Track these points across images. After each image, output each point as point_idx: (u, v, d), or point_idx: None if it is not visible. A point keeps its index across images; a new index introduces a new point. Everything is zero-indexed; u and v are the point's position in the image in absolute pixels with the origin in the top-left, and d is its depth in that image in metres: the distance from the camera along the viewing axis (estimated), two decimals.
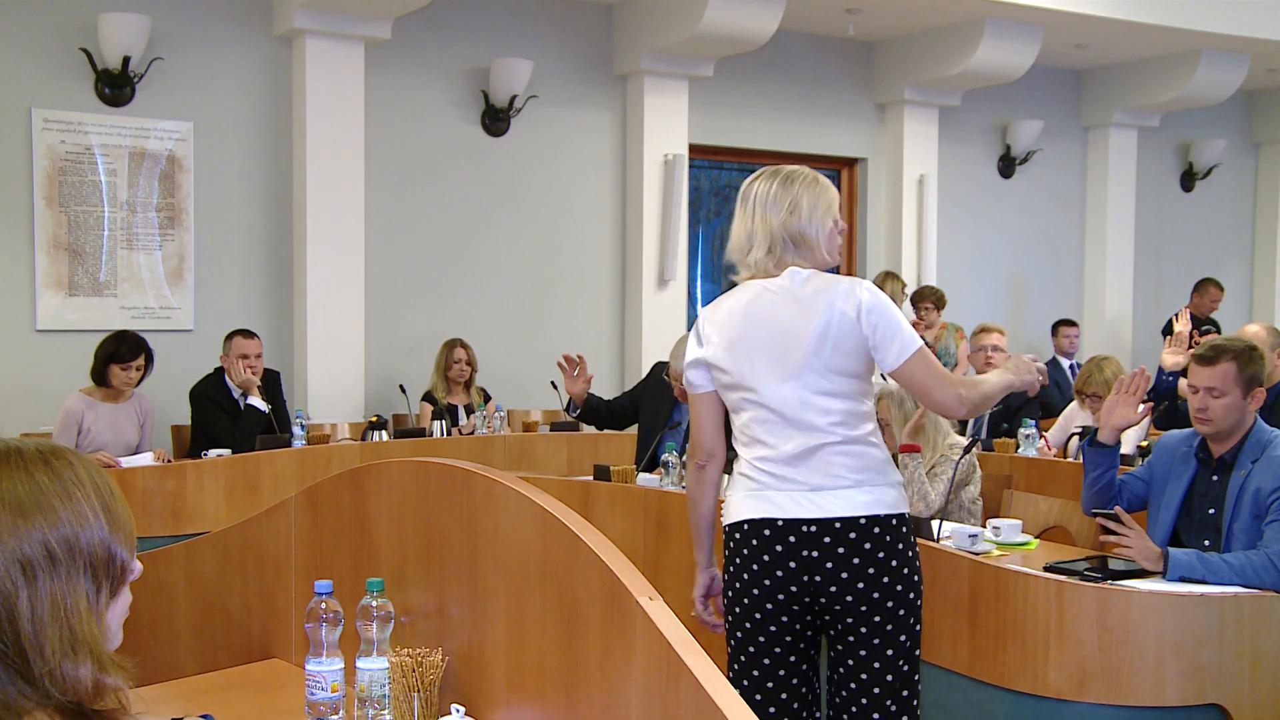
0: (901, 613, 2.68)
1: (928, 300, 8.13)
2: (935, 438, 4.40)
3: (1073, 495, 4.62)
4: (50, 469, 1.32)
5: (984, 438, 5.94)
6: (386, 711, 2.21)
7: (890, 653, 2.68)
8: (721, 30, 7.34)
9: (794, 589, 2.67)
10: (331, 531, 2.67)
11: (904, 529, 2.71)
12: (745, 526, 2.72)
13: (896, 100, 8.84)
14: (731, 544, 2.76)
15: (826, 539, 2.64)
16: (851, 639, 2.68)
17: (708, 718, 1.62)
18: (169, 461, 5.50)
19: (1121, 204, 9.89)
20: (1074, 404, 5.79)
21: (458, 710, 2.18)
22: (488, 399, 6.89)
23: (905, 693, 2.71)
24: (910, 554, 2.71)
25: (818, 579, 2.65)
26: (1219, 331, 8.39)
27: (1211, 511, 3.49)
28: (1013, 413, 6.12)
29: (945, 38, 8.39)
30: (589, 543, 1.96)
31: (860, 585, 2.64)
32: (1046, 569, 3.31)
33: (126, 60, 6.43)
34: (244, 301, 6.91)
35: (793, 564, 2.66)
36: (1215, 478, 3.51)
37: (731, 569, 2.76)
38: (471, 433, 6.36)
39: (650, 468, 4.86)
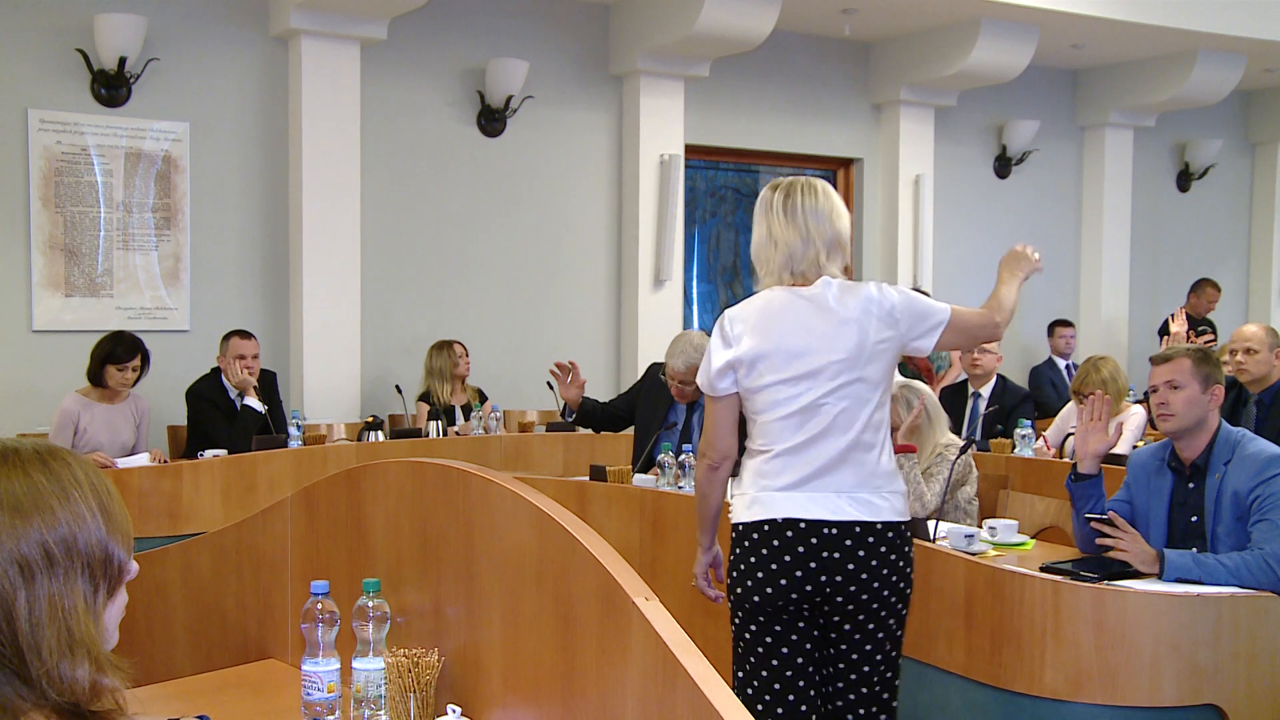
0: (902, 610, 2.84)
1: None
2: (931, 438, 4.40)
3: (1068, 495, 4.62)
4: (48, 469, 1.32)
5: (979, 438, 5.95)
6: (383, 712, 2.21)
7: (889, 649, 2.83)
8: (717, 30, 7.34)
9: (809, 588, 2.74)
10: (328, 532, 2.67)
11: (909, 534, 2.85)
12: (766, 527, 2.76)
13: (892, 100, 8.84)
14: (748, 542, 2.78)
15: (847, 542, 2.73)
16: (858, 636, 2.78)
17: (704, 718, 1.62)
18: (165, 462, 5.49)
19: (1117, 204, 9.90)
20: (1071, 404, 5.80)
21: (454, 711, 2.17)
22: (484, 399, 6.89)
23: (892, 688, 2.87)
24: (910, 560, 2.84)
25: (837, 579, 2.73)
26: (1214, 332, 8.40)
27: (1194, 519, 3.50)
28: (1008, 413, 6.12)
29: (941, 38, 8.39)
30: (585, 543, 1.96)
31: (875, 586, 2.74)
32: (1043, 569, 3.31)
33: (123, 61, 6.42)
34: (240, 302, 6.90)
35: (813, 564, 2.73)
36: (1191, 485, 3.53)
37: (744, 567, 2.78)
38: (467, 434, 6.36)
39: (646, 468, 4.86)
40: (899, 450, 4.32)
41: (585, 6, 7.85)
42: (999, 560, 3.60)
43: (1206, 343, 5.59)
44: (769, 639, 2.79)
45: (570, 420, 5.35)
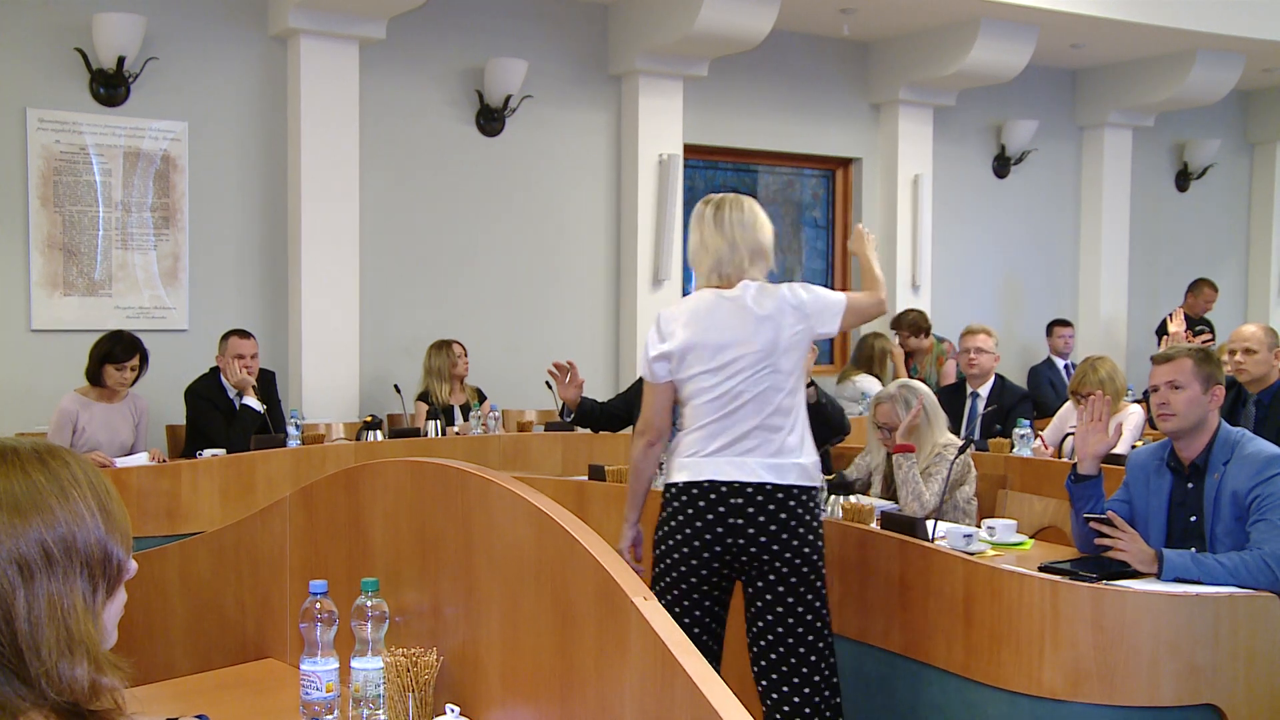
0: (820, 568, 3.20)
1: (905, 330, 7.99)
2: (929, 438, 4.40)
3: (1068, 495, 4.62)
4: (47, 468, 1.32)
5: (978, 438, 5.95)
6: (381, 711, 2.21)
7: (813, 612, 3.19)
8: (716, 30, 7.34)
9: (729, 541, 3.16)
10: (326, 531, 2.67)
11: (816, 502, 3.24)
12: (695, 489, 3.19)
13: (891, 100, 8.84)
14: (677, 503, 3.22)
15: (759, 498, 3.15)
16: (781, 589, 3.16)
17: (703, 717, 1.62)
18: (164, 461, 5.49)
19: (1116, 204, 9.90)
20: (1069, 404, 5.80)
21: (453, 710, 2.18)
22: (483, 399, 6.89)
23: (830, 664, 3.23)
24: (818, 523, 3.23)
25: (750, 532, 3.15)
26: (1212, 332, 8.40)
27: (1193, 519, 3.50)
28: (1007, 413, 6.12)
29: (940, 37, 8.39)
30: (584, 543, 1.96)
31: (785, 538, 3.15)
32: (1041, 569, 3.31)
33: (121, 60, 6.42)
34: (239, 301, 6.90)
35: (732, 521, 3.15)
36: (1190, 485, 3.53)
37: (673, 524, 3.22)
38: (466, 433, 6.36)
39: None
40: (897, 450, 4.32)
41: (584, 6, 7.85)
42: (997, 560, 3.59)
43: (1204, 342, 5.60)
44: (685, 586, 3.21)
45: (568, 420, 5.34)
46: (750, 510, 3.14)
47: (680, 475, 3.23)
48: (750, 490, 3.15)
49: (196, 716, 2.04)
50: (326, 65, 6.83)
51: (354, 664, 2.23)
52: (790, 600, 3.15)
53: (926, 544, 3.42)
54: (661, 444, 3.36)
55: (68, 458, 1.35)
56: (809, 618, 3.17)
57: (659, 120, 7.88)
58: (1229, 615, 3.01)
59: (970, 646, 3.19)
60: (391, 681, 2.22)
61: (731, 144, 8.52)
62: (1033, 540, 4.07)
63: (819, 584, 3.20)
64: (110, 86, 6.49)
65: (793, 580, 3.15)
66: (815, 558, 3.19)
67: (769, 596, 3.16)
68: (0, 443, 1.34)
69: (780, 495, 3.15)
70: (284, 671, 2.68)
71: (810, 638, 3.17)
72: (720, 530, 3.15)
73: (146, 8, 6.49)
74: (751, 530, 3.14)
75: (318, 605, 2.24)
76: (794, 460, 3.20)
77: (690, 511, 3.18)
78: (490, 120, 7.57)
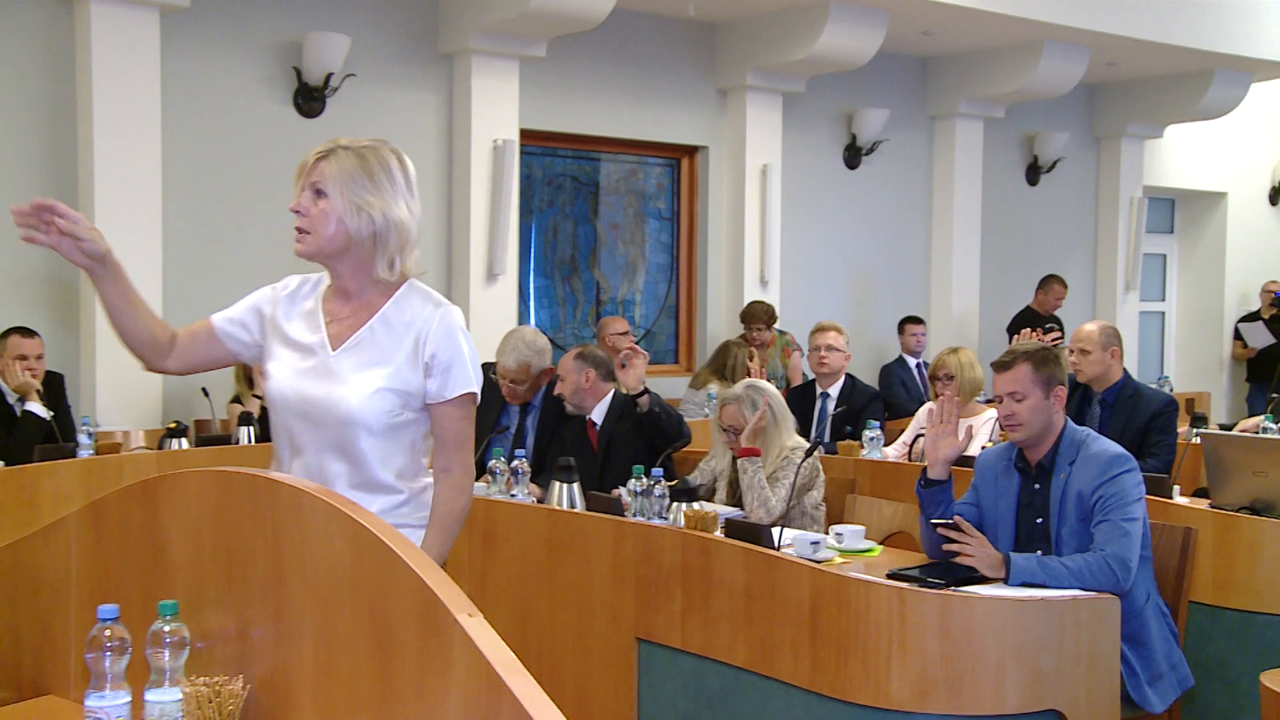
0: None
1: (759, 321, 8.13)
2: (776, 440, 4.49)
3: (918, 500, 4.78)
4: None
5: (827, 440, 6.09)
6: None
7: None
8: (554, 8, 7.35)
9: None
10: (119, 550, 2.58)
11: None
12: None
13: (739, 86, 8.99)
14: None
15: None
16: None
17: None
18: None
19: (968, 197, 10.26)
20: (924, 408, 5.93)
21: None
22: None
23: None
24: None
25: None
26: (1062, 329, 8.78)
27: (1039, 520, 3.67)
28: (857, 413, 6.29)
29: (789, 21, 8.56)
30: (404, 556, 1.95)
31: None
32: (890, 576, 3.42)
33: None
34: (20, 296, 6.60)
35: None
36: (1037, 486, 3.70)
37: None
38: None
39: (477, 475, 4.83)
40: (743, 454, 4.40)
41: None
42: (845, 567, 3.69)
43: (1054, 340, 5.86)
44: None
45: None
46: None
47: None
48: None
49: None
50: (122, 34, 6.58)
51: (148, 696, 2.16)
52: None
53: (772, 552, 3.49)
54: None
55: None
56: None
57: (493, 103, 7.84)
58: (1072, 619, 3.16)
59: (816, 659, 3.26)
60: (191, 714, 2.16)
61: (571, 130, 8.54)
62: (881, 546, 4.20)
63: None
64: None
65: None
66: None
67: None
68: None
69: None
70: (66, 709, 2.58)
71: None
72: None
73: None
74: None
75: (107, 632, 2.16)
76: None
77: None
78: (310, 100, 7.43)
